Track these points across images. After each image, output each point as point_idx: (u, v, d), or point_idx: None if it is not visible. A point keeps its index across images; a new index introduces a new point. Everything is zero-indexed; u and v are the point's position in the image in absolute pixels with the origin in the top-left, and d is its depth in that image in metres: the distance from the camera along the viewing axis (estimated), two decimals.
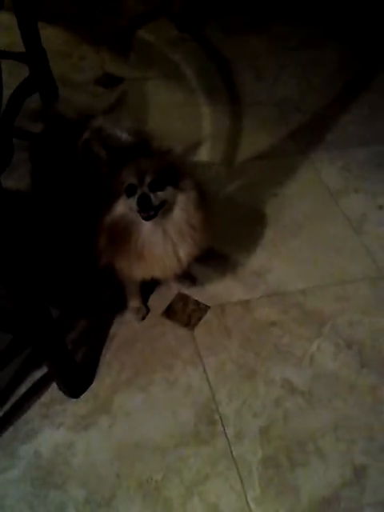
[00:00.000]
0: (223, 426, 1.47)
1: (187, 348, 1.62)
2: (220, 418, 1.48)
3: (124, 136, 1.50)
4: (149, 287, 1.72)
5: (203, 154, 2.20)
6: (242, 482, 1.38)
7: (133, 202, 1.34)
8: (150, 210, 1.33)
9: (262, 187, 2.10)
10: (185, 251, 1.44)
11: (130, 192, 1.34)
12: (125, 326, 1.67)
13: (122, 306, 1.70)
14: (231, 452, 1.42)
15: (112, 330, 1.66)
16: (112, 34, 2.80)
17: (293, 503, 1.35)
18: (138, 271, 1.49)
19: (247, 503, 1.34)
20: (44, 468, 1.39)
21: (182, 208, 1.39)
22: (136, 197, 1.33)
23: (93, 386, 1.54)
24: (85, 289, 1.72)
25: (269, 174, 2.16)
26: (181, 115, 2.36)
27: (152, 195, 1.33)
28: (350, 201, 2.07)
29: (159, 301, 1.73)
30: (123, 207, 1.37)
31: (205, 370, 1.57)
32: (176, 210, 1.39)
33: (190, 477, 1.38)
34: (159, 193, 1.34)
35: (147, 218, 1.35)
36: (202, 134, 2.30)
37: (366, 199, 2.08)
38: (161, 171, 1.35)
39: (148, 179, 1.33)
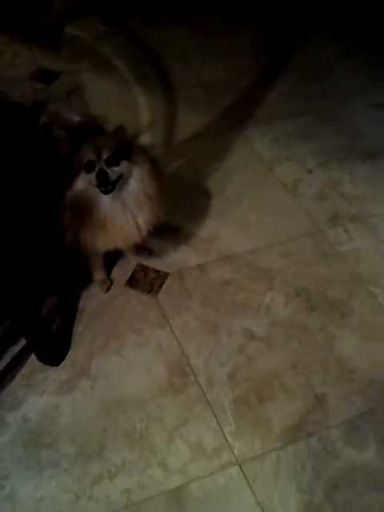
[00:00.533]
0: (195, 375, 1.59)
1: (153, 312, 1.73)
2: (191, 369, 1.60)
3: (77, 118, 1.58)
4: (111, 260, 1.81)
5: (144, 138, 2.30)
6: (217, 420, 1.50)
7: (92, 177, 1.43)
8: (108, 185, 1.43)
9: (202, 163, 2.23)
10: (144, 220, 1.55)
11: (89, 168, 1.43)
12: (92, 299, 1.76)
13: (87, 281, 1.79)
14: (205, 396, 1.54)
15: (81, 304, 1.74)
16: (41, 31, 2.84)
17: (266, 432, 1.48)
18: (102, 242, 1.58)
19: (225, 438, 1.47)
20: (33, 431, 1.47)
21: (138, 180, 1.49)
22: (95, 172, 1.42)
23: (69, 354, 1.62)
24: (51, 268, 1.79)
25: (207, 151, 2.29)
26: (117, 103, 2.45)
27: (109, 170, 1.43)
28: (283, 168, 2.23)
29: (121, 273, 1.83)
30: (83, 183, 1.46)
31: (172, 330, 1.69)
32: (132, 182, 1.49)
33: (171, 422, 1.49)
34: (115, 168, 1.44)
35: (106, 192, 1.45)
36: (140, 119, 2.39)
37: (296, 165, 2.24)
38: (116, 147, 1.45)
39: (105, 155, 1.42)
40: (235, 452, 1.45)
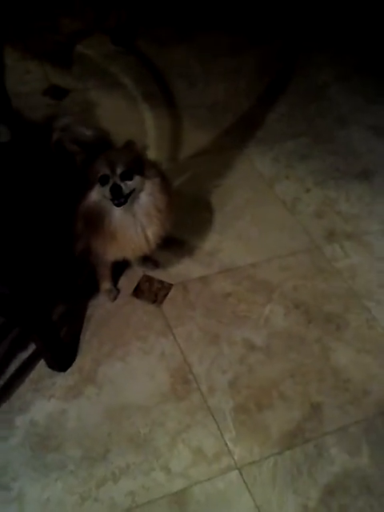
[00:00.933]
0: (197, 383, 1.61)
1: (157, 321, 1.75)
2: (193, 377, 1.62)
3: (88, 133, 1.62)
4: (117, 271, 1.83)
5: (150, 153, 2.32)
6: (218, 426, 1.52)
7: (106, 190, 1.46)
8: (121, 198, 1.46)
9: (204, 179, 2.26)
10: (153, 232, 1.58)
11: (103, 181, 1.47)
12: (99, 307, 1.78)
13: (94, 291, 1.81)
14: (207, 403, 1.56)
15: (88, 312, 1.76)
16: (52, 49, 2.88)
17: (264, 439, 1.51)
18: (112, 252, 1.62)
19: (226, 444, 1.49)
20: (41, 434, 1.48)
21: (149, 193, 1.52)
22: (109, 186, 1.45)
23: (77, 361, 1.64)
24: (60, 276, 1.81)
25: (210, 168, 2.32)
26: (125, 120, 2.47)
27: (123, 184, 1.46)
28: (283, 186, 2.27)
29: (127, 283, 1.85)
30: (97, 195, 1.49)
31: (175, 339, 1.71)
32: (143, 195, 1.52)
33: (173, 427, 1.51)
34: (129, 182, 1.47)
35: (118, 205, 1.48)
36: (146, 135, 2.43)
37: (295, 184, 2.28)
38: (129, 162, 1.48)
39: (119, 170, 1.46)
40: (235, 457, 1.47)
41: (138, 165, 1.49)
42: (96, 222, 1.52)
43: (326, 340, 1.73)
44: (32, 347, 1.63)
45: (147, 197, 1.52)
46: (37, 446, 1.46)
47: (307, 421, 1.54)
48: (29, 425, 1.50)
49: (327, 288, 1.88)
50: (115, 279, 1.84)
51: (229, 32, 3.12)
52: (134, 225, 1.54)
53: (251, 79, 2.81)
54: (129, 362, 1.65)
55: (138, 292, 1.83)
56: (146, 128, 2.47)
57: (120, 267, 1.83)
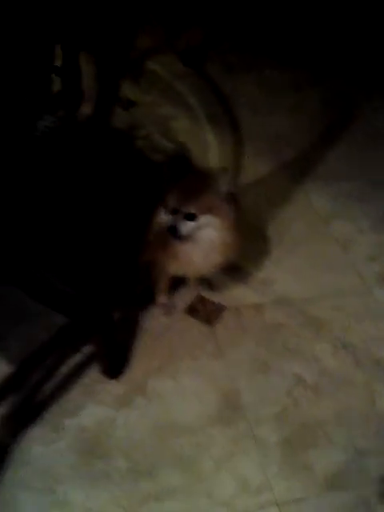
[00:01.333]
0: (244, 410, 1.56)
1: (209, 343, 1.71)
2: (241, 404, 1.58)
3: (168, 144, 1.59)
4: (174, 287, 1.80)
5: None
6: (262, 458, 1.47)
7: (169, 220, 1.43)
8: (177, 238, 1.43)
9: (263, 209, 2.23)
10: (214, 261, 1.56)
11: (170, 211, 1.43)
12: (153, 320, 1.75)
13: (149, 302, 1.78)
14: (253, 433, 1.52)
15: (142, 323, 1.73)
16: (125, 62, 2.88)
17: (306, 478, 1.45)
18: (173, 267, 1.60)
19: (267, 477, 1.44)
20: (88, 440, 1.45)
21: (218, 229, 1.47)
22: (171, 219, 1.42)
23: (128, 370, 1.60)
24: (120, 283, 1.78)
25: (267, 198, 2.29)
26: (187, 139, 2.46)
27: (183, 225, 1.42)
28: (337, 225, 2.23)
29: (182, 300, 1.82)
30: (165, 216, 1.47)
31: (226, 363, 1.67)
32: (211, 230, 1.47)
33: (218, 453, 1.47)
34: (191, 223, 1.43)
35: (176, 239, 1.44)
36: (208, 157, 2.41)
37: (350, 225, 2.24)
38: (201, 201, 1.43)
39: (185, 210, 1.42)
40: (275, 493, 1.42)
41: (212, 201, 1.45)
42: (162, 236, 1.50)
43: (373, 385, 1.68)
44: (85, 350, 1.59)
45: (216, 232, 1.47)
46: (84, 451, 1.42)
47: (351, 465, 1.49)
48: (77, 429, 1.46)
49: (377, 332, 1.84)
50: (171, 295, 1.80)
51: (295, 67, 3.11)
52: (196, 251, 1.51)
53: (313, 115, 2.79)
54: (179, 380, 1.61)
55: (191, 310, 1.79)
56: (208, 149, 2.45)
57: (176, 283, 1.80)
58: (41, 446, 1.42)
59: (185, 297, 1.83)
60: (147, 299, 1.78)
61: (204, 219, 1.43)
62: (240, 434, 1.51)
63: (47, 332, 1.64)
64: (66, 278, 1.36)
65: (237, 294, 1.87)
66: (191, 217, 1.42)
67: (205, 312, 1.79)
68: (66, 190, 1.37)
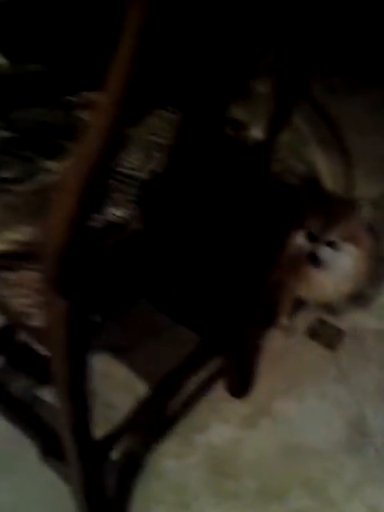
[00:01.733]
0: (372, 437, 1.52)
1: (332, 367, 1.68)
2: (368, 430, 1.53)
3: (302, 167, 1.59)
4: (294, 309, 1.78)
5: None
6: None
7: (307, 246, 1.41)
8: (318, 264, 1.41)
9: (381, 231, 2.17)
10: (346, 289, 1.53)
11: (309, 236, 1.42)
12: (274, 341, 1.73)
13: (270, 323, 1.77)
14: (382, 461, 1.47)
15: (263, 344, 1.72)
16: None
17: None
18: (301, 291, 1.60)
19: None
20: (218, 457, 1.44)
21: (354, 258, 1.46)
22: (310, 246, 1.41)
23: (251, 390, 1.60)
24: (246, 303, 1.78)
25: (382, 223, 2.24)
26: (300, 161, 2.45)
27: (324, 253, 1.40)
28: None
29: (301, 322, 1.80)
30: (302, 240, 1.45)
31: (350, 387, 1.63)
32: (348, 258, 1.45)
33: (348, 480, 1.43)
34: (333, 252, 1.41)
35: (315, 266, 1.43)
36: (322, 178, 2.39)
37: None
38: (345, 231, 1.42)
39: (328, 237, 1.40)
40: None
41: (353, 230, 1.43)
42: (296, 260, 1.49)
43: None
44: (212, 365, 1.60)
45: (352, 261, 1.46)
46: (215, 469, 1.42)
47: None
48: (207, 446, 1.46)
49: None
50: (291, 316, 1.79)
51: None
52: (329, 278, 1.49)
53: None
54: (303, 403, 1.58)
55: (312, 333, 1.76)
56: (321, 171, 2.43)
57: (296, 305, 1.78)
58: (172, 460, 1.43)
59: (304, 319, 1.80)
60: (267, 320, 1.77)
61: (344, 248, 1.42)
62: (370, 461, 1.47)
63: (172, 347, 1.65)
64: (196, 293, 1.37)
65: (357, 318, 1.82)
66: (332, 244, 1.40)
67: (326, 336, 1.76)
68: (207, 210, 1.39)
